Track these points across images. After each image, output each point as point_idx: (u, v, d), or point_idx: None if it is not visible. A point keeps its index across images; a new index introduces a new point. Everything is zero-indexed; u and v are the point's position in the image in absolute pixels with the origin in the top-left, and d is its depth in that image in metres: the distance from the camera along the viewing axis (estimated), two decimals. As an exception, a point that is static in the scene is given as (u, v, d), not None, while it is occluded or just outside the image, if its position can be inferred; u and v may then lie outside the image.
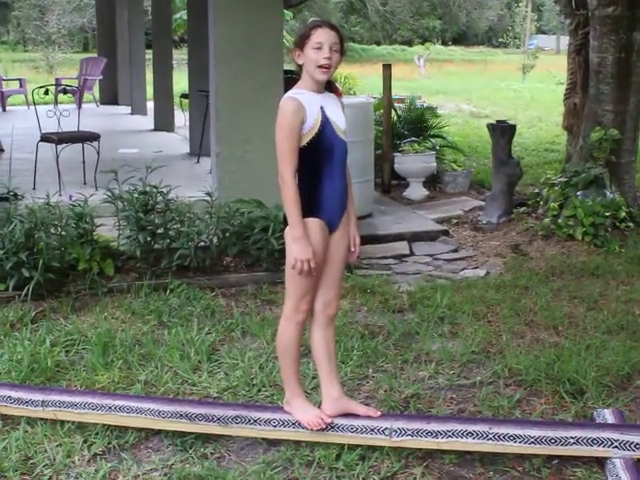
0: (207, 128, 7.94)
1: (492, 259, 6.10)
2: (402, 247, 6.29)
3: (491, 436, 3.08)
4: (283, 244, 3.22)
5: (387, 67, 8.30)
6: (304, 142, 3.04)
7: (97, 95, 15.55)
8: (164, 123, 11.79)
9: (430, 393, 3.73)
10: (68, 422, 3.35)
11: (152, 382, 3.81)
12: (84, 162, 7.51)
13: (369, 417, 3.22)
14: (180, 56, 20.47)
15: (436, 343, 4.32)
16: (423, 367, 4.02)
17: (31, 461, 3.13)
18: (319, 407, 3.28)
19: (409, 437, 3.13)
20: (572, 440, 3.07)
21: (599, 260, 5.88)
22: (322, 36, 3.03)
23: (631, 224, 6.51)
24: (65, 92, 9.37)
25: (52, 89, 7.98)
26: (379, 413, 3.27)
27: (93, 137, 7.69)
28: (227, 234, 5.41)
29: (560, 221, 6.50)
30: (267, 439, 3.26)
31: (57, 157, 7.28)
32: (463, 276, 5.64)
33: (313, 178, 3.09)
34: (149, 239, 5.27)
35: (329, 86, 3.19)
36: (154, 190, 5.41)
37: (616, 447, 3.03)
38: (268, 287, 5.18)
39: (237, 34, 5.88)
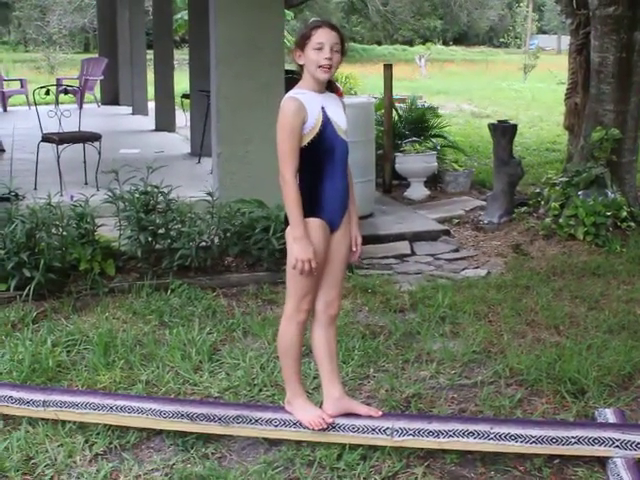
0: (208, 128, 7.93)
1: (493, 259, 6.10)
2: (403, 247, 6.29)
3: (492, 436, 3.08)
4: (284, 244, 3.22)
5: (388, 67, 8.30)
6: (305, 142, 3.04)
7: (98, 95, 15.54)
8: (165, 123, 11.79)
9: (431, 393, 3.73)
10: (69, 422, 3.36)
11: (153, 382, 3.81)
12: (85, 162, 7.52)
13: (370, 417, 3.22)
14: (181, 56, 20.51)
15: (437, 343, 4.32)
16: (424, 367, 4.02)
17: (32, 461, 3.13)
18: (320, 407, 3.28)
19: (410, 437, 3.13)
20: (573, 440, 3.07)
21: (600, 260, 5.88)
22: (323, 36, 3.03)
23: (632, 224, 6.50)
24: (66, 92, 9.36)
25: (53, 89, 7.99)
26: (380, 413, 3.27)
27: (94, 137, 7.69)
28: (228, 234, 5.41)
29: (561, 221, 6.50)
30: (268, 439, 3.26)
31: (58, 157, 7.28)
32: (464, 276, 5.64)
33: (314, 178, 3.09)
34: (150, 239, 5.27)
35: (330, 86, 3.19)
36: (155, 190, 5.41)
37: (617, 447, 3.03)
38: (269, 287, 5.18)
39: (238, 34, 5.88)
